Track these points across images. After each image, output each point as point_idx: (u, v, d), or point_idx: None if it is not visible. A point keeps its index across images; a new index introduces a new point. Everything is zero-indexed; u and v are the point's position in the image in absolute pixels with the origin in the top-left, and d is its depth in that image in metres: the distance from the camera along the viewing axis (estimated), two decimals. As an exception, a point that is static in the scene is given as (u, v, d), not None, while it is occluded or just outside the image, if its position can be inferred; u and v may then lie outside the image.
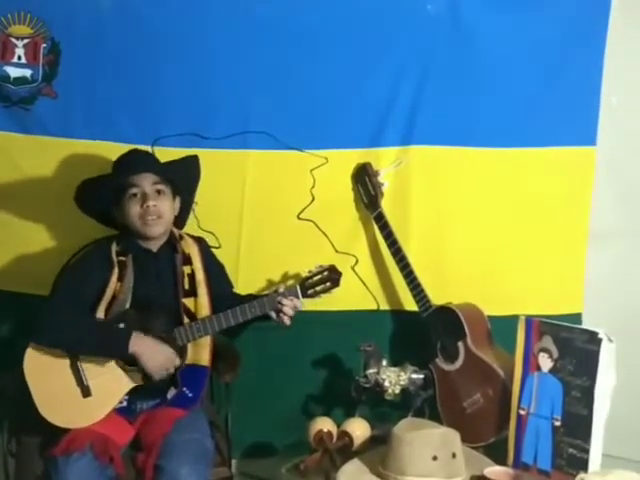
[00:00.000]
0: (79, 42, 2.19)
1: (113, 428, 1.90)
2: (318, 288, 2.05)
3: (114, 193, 1.99)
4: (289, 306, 2.01)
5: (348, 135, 2.25)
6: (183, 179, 2.06)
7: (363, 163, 2.24)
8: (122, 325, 1.95)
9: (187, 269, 2.05)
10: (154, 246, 2.05)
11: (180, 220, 2.11)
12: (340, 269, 2.07)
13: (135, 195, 1.97)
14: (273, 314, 2.02)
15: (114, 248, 2.01)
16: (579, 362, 1.77)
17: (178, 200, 2.06)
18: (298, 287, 2.04)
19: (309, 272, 2.06)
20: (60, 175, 2.21)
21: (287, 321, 2.02)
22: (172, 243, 2.06)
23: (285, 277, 2.22)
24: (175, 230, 2.08)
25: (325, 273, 2.05)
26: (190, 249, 2.08)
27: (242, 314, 1.99)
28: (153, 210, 1.97)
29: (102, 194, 2.00)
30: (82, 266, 2.02)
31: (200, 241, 2.13)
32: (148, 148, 2.16)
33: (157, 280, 2.03)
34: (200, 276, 2.05)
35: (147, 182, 1.98)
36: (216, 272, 2.12)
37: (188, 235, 2.12)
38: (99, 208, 2.05)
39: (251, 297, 2.08)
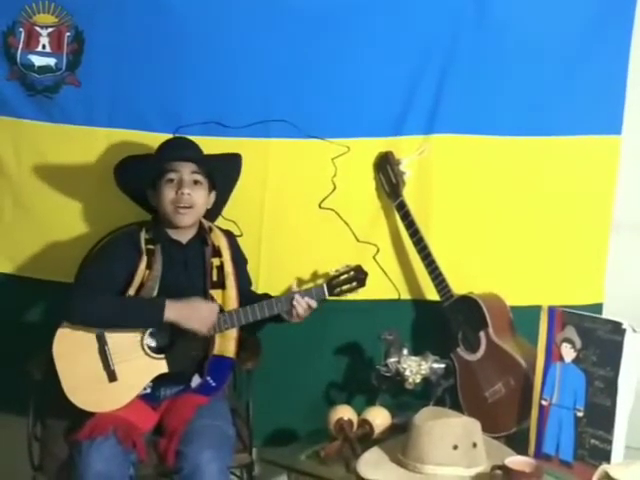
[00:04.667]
0: (103, 31, 2.20)
1: (137, 414, 1.92)
2: (344, 287, 2.06)
3: (152, 174, 2.01)
4: (302, 306, 2.00)
5: (370, 124, 2.23)
6: (222, 175, 2.08)
7: (385, 152, 2.23)
8: None
9: (216, 261, 2.06)
10: (184, 238, 2.06)
11: (212, 213, 2.12)
12: (366, 269, 2.07)
13: (172, 180, 1.99)
14: (284, 315, 2.02)
15: (143, 235, 2.03)
16: (602, 352, 1.76)
17: (213, 194, 2.08)
18: (325, 286, 2.04)
19: (336, 271, 2.07)
20: (84, 163, 2.23)
21: (296, 319, 2.02)
22: (202, 235, 2.07)
23: (308, 266, 2.22)
24: (205, 222, 2.09)
25: (351, 273, 2.06)
26: (219, 241, 2.09)
27: (269, 308, 2.00)
28: (186, 199, 1.98)
29: (141, 173, 2.03)
30: (111, 250, 2.04)
31: (229, 234, 2.14)
32: (171, 136, 2.17)
33: (185, 271, 2.04)
34: (229, 268, 2.06)
35: (186, 170, 1.99)
36: (240, 267, 2.13)
37: (217, 227, 2.13)
38: (135, 186, 2.08)
39: (267, 297, 2.08)
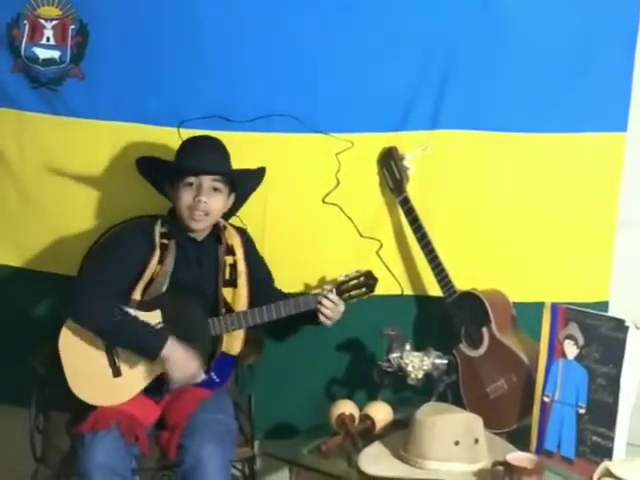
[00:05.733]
0: (107, 24, 2.19)
1: (139, 408, 1.92)
2: (353, 293, 2.06)
3: (172, 175, 1.99)
4: (328, 306, 2.01)
5: (374, 119, 2.22)
6: (244, 185, 2.07)
7: (389, 147, 2.22)
8: (159, 314, 1.95)
9: (229, 259, 2.05)
10: (199, 235, 2.05)
11: (228, 213, 2.11)
12: (374, 272, 2.07)
13: (191, 184, 1.96)
14: (320, 316, 2.02)
15: (158, 229, 2.01)
16: (605, 350, 1.76)
17: (232, 198, 2.05)
18: (334, 290, 2.04)
19: (346, 276, 2.06)
20: (88, 156, 2.23)
21: (327, 322, 2.03)
22: (217, 233, 2.06)
23: (311, 262, 2.22)
24: (220, 220, 2.08)
25: (361, 278, 2.06)
26: (233, 240, 2.08)
27: (277, 312, 2.00)
28: (203, 206, 1.96)
29: (162, 170, 2.02)
30: (124, 241, 2.02)
31: (243, 233, 2.13)
32: (174, 130, 2.17)
33: (198, 267, 2.04)
34: (242, 267, 2.06)
35: (207, 177, 1.96)
36: (257, 264, 2.13)
37: (231, 226, 2.13)
38: (155, 180, 2.07)
39: (291, 296, 2.08)
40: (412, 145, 2.22)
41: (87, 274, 2.05)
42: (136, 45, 2.20)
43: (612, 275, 2.27)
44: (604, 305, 2.24)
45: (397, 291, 2.27)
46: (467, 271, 2.20)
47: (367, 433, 1.94)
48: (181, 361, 1.92)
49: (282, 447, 2.03)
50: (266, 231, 2.26)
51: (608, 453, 1.74)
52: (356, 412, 1.99)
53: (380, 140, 2.24)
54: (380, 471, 1.76)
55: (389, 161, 2.22)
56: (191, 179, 1.96)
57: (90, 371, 1.94)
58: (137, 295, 1.96)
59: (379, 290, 2.22)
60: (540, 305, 1.91)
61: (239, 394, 2.16)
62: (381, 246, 2.25)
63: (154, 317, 1.96)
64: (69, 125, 2.22)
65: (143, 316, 1.94)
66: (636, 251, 2.29)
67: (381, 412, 1.99)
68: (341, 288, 2.05)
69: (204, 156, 1.97)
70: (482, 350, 2.11)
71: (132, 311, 1.94)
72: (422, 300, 2.28)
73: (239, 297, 2.04)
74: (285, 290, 2.19)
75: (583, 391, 1.79)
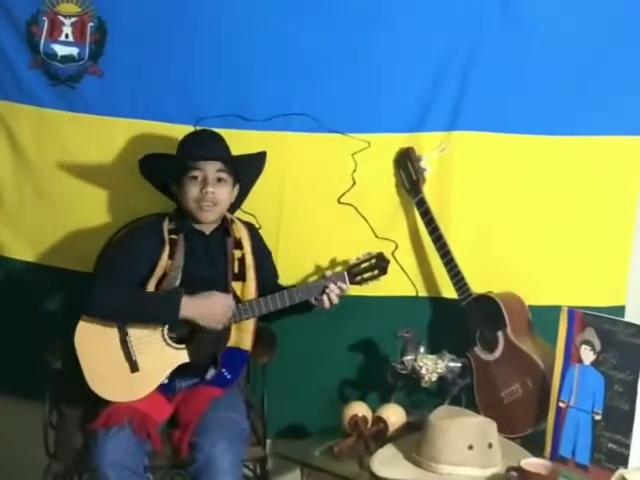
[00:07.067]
0: (125, 21, 2.20)
1: (152, 405, 1.92)
2: (366, 275, 2.04)
3: (176, 172, 2.01)
4: (335, 292, 2.01)
5: (391, 119, 2.22)
6: (247, 172, 2.08)
7: (406, 148, 2.21)
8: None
9: (238, 253, 2.06)
10: (207, 229, 2.06)
11: (233, 206, 2.12)
12: (388, 257, 2.05)
13: (196, 178, 1.99)
14: (313, 300, 2.02)
15: (166, 225, 2.03)
16: (622, 356, 1.74)
17: (237, 188, 2.08)
18: (345, 274, 2.03)
19: (357, 259, 2.05)
20: (105, 153, 2.23)
21: (327, 304, 2.02)
22: (225, 227, 2.07)
23: (326, 261, 2.21)
24: (227, 214, 2.09)
25: (373, 260, 2.05)
26: (241, 233, 2.09)
27: (289, 298, 2.00)
28: (210, 197, 1.98)
29: (165, 169, 2.03)
30: (134, 240, 2.05)
31: (250, 226, 2.14)
32: (191, 128, 2.17)
33: (207, 261, 2.04)
34: (250, 260, 2.06)
35: (211, 168, 1.99)
36: (264, 257, 2.13)
37: (239, 219, 2.13)
38: (160, 180, 2.08)
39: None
40: (429, 146, 2.21)
41: (100, 273, 2.09)
42: (154, 43, 2.20)
43: (629, 279, 2.25)
44: (620, 309, 2.21)
45: (412, 293, 2.26)
46: (483, 273, 2.19)
47: (380, 435, 1.94)
48: (205, 309, 1.93)
49: (294, 448, 2.02)
50: (281, 230, 2.26)
51: (624, 461, 1.72)
52: (369, 414, 1.98)
53: (397, 140, 2.23)
54: (392, 474, 1.76)
55: (406, 162, 2.21)
56: (196, 172, 1.98)
57: (108, 368, 1.94)
58: (151, 290, 1.97)
59: (394, 291, 2.22)
60: (556, 309, 1.90)
61: (251, 392, 2.16)
62: (396, 247, 2.24)
63: None
64: (87, 122, 2.23)
65: None
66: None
67: (394, 414, 1.99)
68: (352, 271, 2.04)
69: (206, 145, 2.01)
70: (497, 354, 2.09)
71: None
72: (437, 302, 2.27)
73: (248, 290, 2.04)
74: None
75: (599, 397, 1.77)
